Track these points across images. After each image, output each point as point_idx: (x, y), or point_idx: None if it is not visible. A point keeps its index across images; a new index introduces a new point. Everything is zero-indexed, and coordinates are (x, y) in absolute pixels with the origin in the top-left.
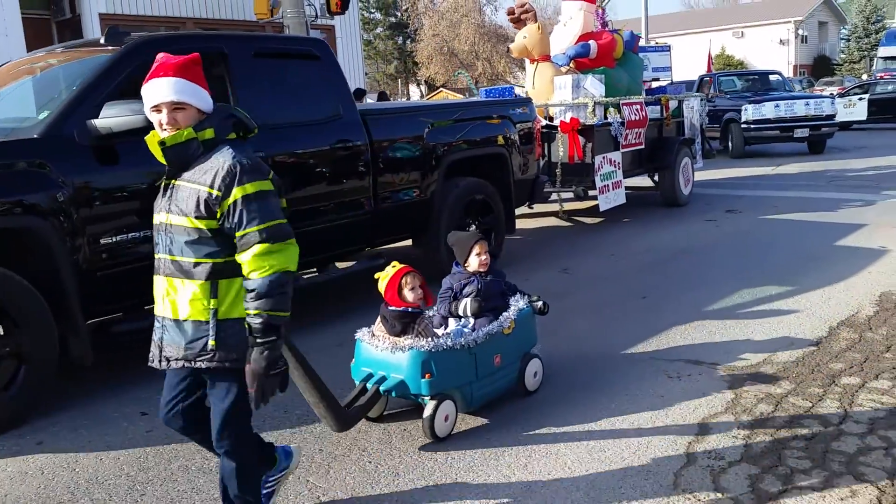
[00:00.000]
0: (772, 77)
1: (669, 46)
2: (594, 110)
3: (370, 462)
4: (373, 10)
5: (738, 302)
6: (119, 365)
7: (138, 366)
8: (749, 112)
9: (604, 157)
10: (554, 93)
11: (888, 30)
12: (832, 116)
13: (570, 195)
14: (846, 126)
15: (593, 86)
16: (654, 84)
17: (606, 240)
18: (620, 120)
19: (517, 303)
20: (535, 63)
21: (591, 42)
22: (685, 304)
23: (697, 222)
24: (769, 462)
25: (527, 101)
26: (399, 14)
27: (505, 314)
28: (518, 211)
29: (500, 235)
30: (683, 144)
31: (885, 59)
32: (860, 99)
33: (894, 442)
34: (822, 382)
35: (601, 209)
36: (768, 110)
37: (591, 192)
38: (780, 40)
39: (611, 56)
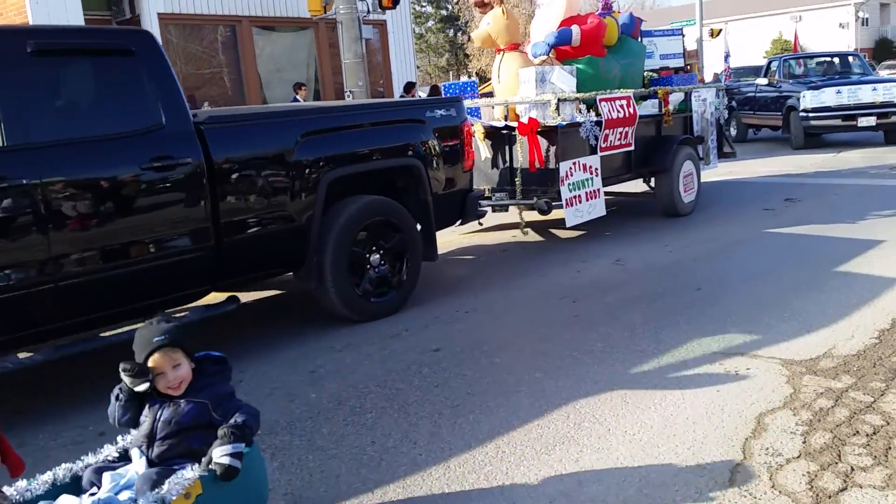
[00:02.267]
0: (851, 59)
1: (681, 30)
2: (557, 108)
3: (421, 455)
4: (424, 4)
5: (796, 293)
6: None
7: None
8: (807, 99)
9: (574, 163)
10: (519, 88)
11: None
12: None
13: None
14: None
15: (561, 79)
16: (664, 72)
17: (615, 246)
18: (595, 119)
19: (194, 469)
20: (501, 53)
21: (574, 27)
22: (741, 296)
23: (754, 211)
24: (828, 459)
25: (453, 101)
26: (450, 7)
27: (180, 474)
28: (470, 228)
29: (413, 263)
30: (684, 144)
31: None
32: None
33: None
34: (884, 377)
35: (568, 224)
36: (829, 97)
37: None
38: (840, 24)
39: (599, 43)
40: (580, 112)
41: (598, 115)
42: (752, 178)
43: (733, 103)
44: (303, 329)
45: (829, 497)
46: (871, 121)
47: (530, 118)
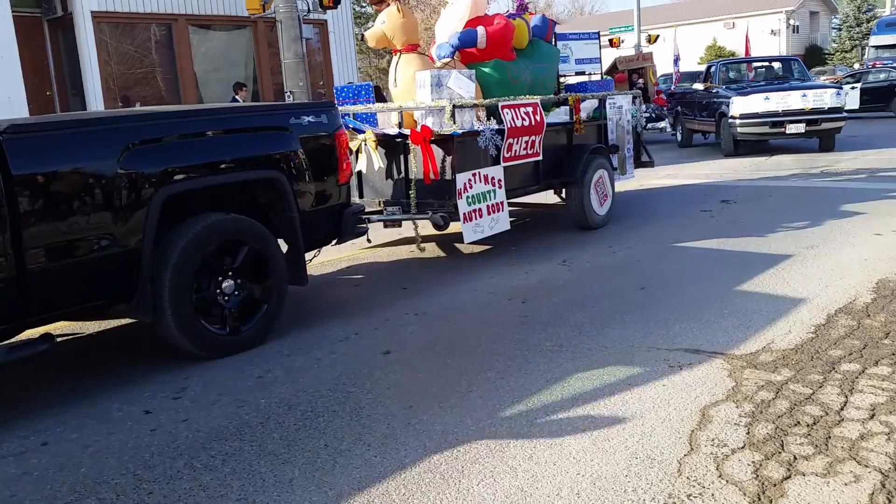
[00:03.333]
0: (793, 65)
1: (598, 34)
2: (453, 115)
3: (375, 455)
4: (364, 4)
5: (735, 291)
6: (123, 363)
7: (140, 364)
8: (736, 105)
9: (474, 175)
10: (416, 92)
11: (879, 18)
12: (838, 109)
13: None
14: None
15: (458, 84)
16: (582, 77)
17: (561, 246)
18: (497, 127)
19: None
20: (398, 54)
21: (479, 28)
22: (683, 295)
23: (693, 212)
24: (772, 448)
25: (325, 107)
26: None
27: None
28: (354, 244)
29: (277, 289)
30: (597, 154)
31: (877, 47)
32: (853, 88)
33: None
34: (821, 369)
35: (466, 240)
36: (756, 103)
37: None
38: (772, 30)
39: (507, 45)
40: (480, 120)
41: (500, 122)
42: (689, 183)
43: (678, 108)
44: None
45: (774, 485)
46: (801, 128)
47: (423, 126)
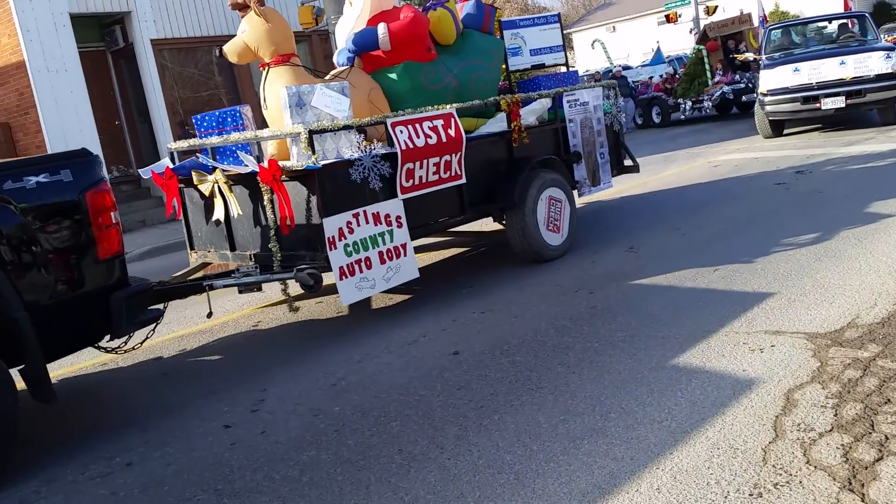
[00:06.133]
0: (859, 23)
1: (558, 15)
2: (311, 143)
3: (449, 459)
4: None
5: (815, 266)
6: (202, 380)
7: (219, 379)
8: (764, 79)
9: (355, 215)
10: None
11: None
12: (891, 75)
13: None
14: None
15: (325, 101)
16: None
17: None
18: (383, 152)
19: None
20: (266, 68)
21: (380, 26)
22: (760, 273)
23: (766, 186)
24: (861, 430)
25: (68, 160)
26: None
27: None
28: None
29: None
30: (544, 168)
31: None
32: None
33: None
34: None
35: (343, 301)
36: (785, 76)
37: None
38: None
39: (420, 43)
40: (357, 145)
41: (391, 144)
42: (758, 154)
43: None
44: (321, 343)
45: (866, 468)
46: (839, 101)
47: (270, 160)
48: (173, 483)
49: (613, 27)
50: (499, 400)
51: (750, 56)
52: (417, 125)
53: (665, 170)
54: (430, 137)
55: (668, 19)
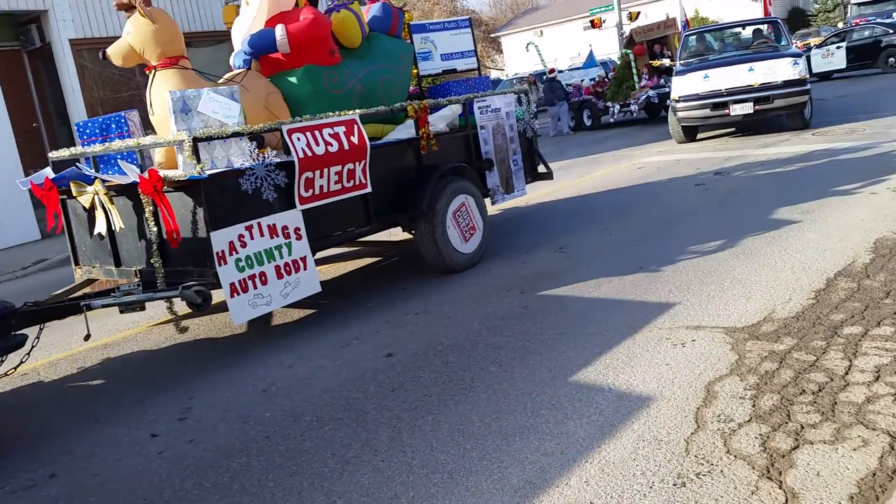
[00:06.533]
0: (771, 29)
1: (469, 20)
2: (195, 151)
3: (383, 461)
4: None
5: (733, 262)
6: (128, 388)
7: (145, 388)
8: (675, 86)
9: (248, 228)
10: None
11: None
12: (798, 81)
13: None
14: (826, 76)
15: (212, 106)
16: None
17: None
18: (278, 160)
19: None
20: (153, 72)
21: (278, 27)
22: (682, 271)
23: (687, 187)
24: (778, 419)
25: None
26: None
27: None
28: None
29: None
30: (455, 175)
31: (859, 4)
32: (838, 48)
33: None
34: (824, 335)
35: (235, 321)
36: (695, 82)
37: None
38: None
39: (322, 45)
40: (249, 153)
41: (288, 152)
42: (681, 155)
43: None
44: (249, 349)
45: (783, 456)
46: (748, 108)
47: (150, 170)
48: (100, 493)
49: (541, 31)
50: (432, 400)
51: (666, 62)
52: (317, 132)
53: (592, 172)
54: (331, 145)
55: (593, 24)
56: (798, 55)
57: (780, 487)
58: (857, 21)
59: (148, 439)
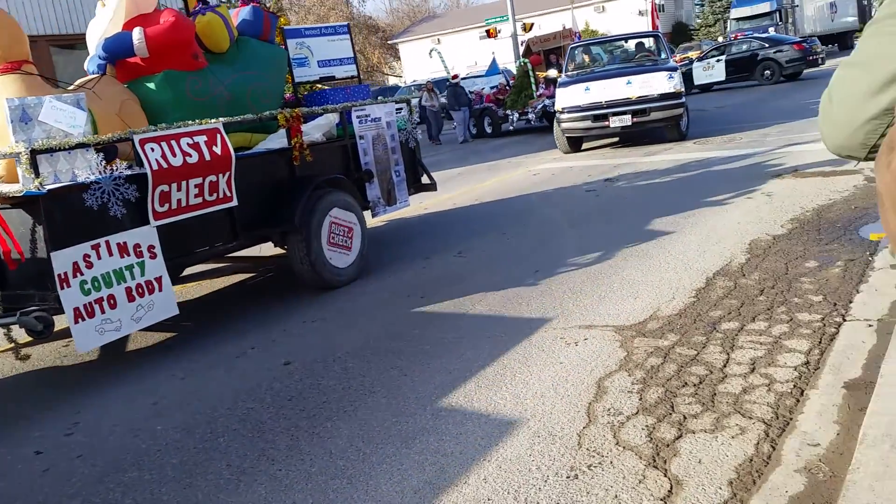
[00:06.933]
0: (646, 42)
1: (347, 26)
2: (34, 164)
3: (280, 469)
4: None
5: (622, 264)
6: (10, 406)
7: (29, 405)
8: (559, 97)
9: (95, 247)
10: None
11: None
12: (674, 95)
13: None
14: (707, 88)
15: (55, 115)
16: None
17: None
18: (128, 172)
19: None
20: None
21: (136, 30)
22: (575, 273)
23: (580, 193)
24: (663, 411)
25: None
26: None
27: None
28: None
29: None
30: (330, 187)
31: (737, 19)
32: (718, 61)
33: (775, 378)
34: (704, 331)
35: (79, 349)
36: (577, 95)
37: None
38: (640, 11)
39: (184, 50)
40: (96, 165)
41: (140, 164)
42: (572, 163)
43: None
44: (140, 361)
45: (667, 445)
46: (626, 120)
47: None
48: None
49: (438, 39)
50: (331, 407)
51: (553, 72)
52: (174, 142)
53: (490, 178)
54: (190, 156)
55: (489, 34)
56: (673, 69)
57: (666, 475)
58: (736, 35)
59: (32, 457)
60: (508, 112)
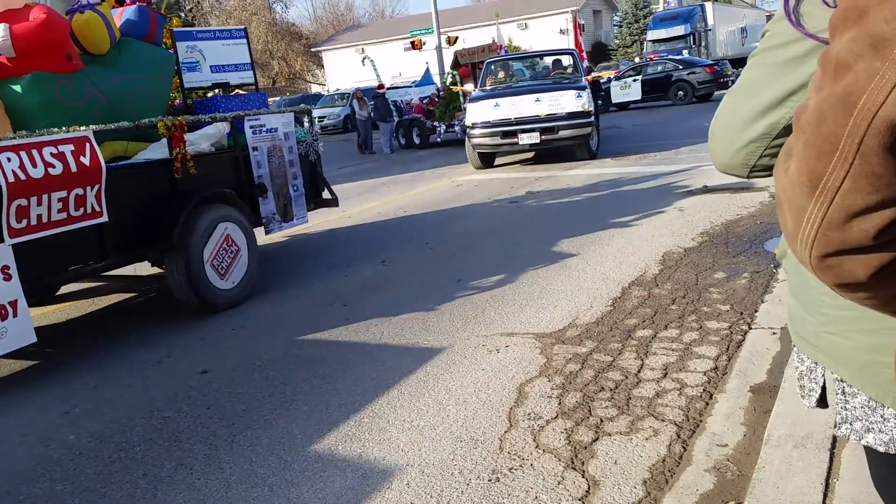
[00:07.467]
0: (564, 59)
1: (244, 30)
2: None
3: (199, 479)
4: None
5: (542, 273)
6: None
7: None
8: (469, 112)
9: None
10: None
11: (654, 14)
12: (582, 114)
13: None
14: (624, 107)
15: None
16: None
17: None
18: None
19: None
20: None
21: (1, 27)
22: (497, 282)
23: (502, 204)
24: (581, 415)
25: None
26: (183, 15)
27: None
28: None
29: None
30: (214, 203)
31: (654, 41)
32: (634, 80)
33: (686, 383)
34: (620, 338)
35: None
36: (487, 110)
37: None
38: (561, 30)
39: (56, 50)
40: None
41: None
42: (489, 175)
43: None
44: (51, 368)
45: (585, 448)
46: (535, 137)
47: None
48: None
49: (362, 49)
50: (251, 416)
51: (469, 87)
52: (34, 151)
53: (413, 188)
54: (54, 167)
55: (414, 46)
56: (583, 88)
57: (584, 476)
58: (651, 56)
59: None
60: (436, 123)
